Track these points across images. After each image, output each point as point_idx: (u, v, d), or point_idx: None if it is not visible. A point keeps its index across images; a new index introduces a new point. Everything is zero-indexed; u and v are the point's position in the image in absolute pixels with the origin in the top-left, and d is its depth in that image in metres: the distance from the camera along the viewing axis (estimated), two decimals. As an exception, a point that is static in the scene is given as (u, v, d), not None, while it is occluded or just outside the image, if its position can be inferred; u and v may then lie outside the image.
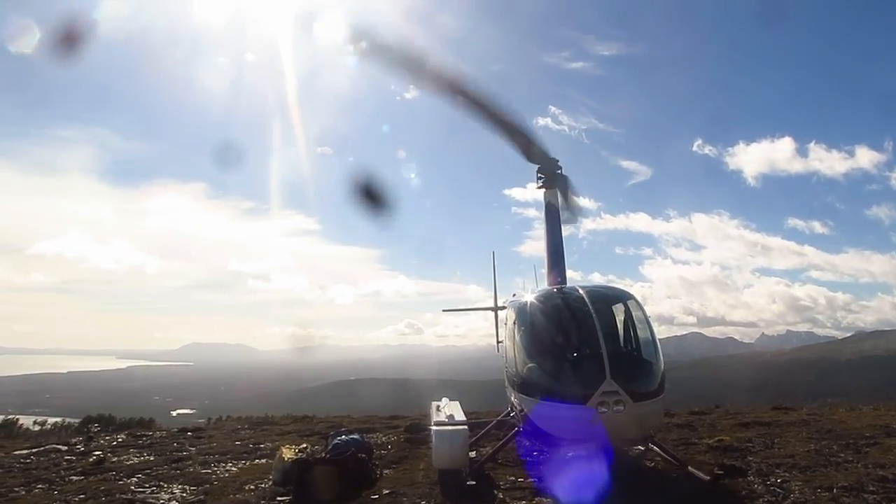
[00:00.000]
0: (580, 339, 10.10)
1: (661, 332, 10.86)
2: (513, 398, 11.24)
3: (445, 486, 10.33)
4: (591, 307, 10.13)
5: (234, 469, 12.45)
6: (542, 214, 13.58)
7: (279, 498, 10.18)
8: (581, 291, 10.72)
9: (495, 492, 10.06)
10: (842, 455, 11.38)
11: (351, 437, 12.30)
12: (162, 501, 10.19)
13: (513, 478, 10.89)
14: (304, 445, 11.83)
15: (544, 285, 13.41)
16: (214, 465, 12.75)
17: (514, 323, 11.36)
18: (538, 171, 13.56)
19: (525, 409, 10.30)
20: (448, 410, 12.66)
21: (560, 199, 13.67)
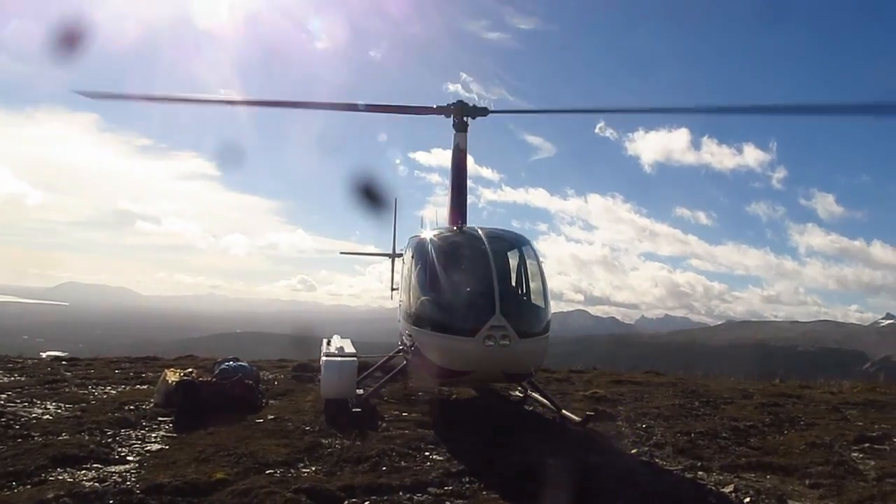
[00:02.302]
0: (474, 275, 10.45)
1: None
2: (404, 331, 11.50)
3: (331, 414, 10.54)
4: (487, 246, 10.48)
5: (113, 392, 12.18)
6: (450, 157, 13.64)
7: (160, 418, 10.08)
8: (479, 232, 11.04)
9: (379, 422, 10.36)
10: (702, 410, 12.41)
11: (239, 364, 12.26)
12: (35, 416, 9.88)
13: (397, 412, 11.23)
14: (190, 370, 11.71)
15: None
16: (92, 388, 12.44)
17: (412, 258, 11.60)
18: (448, 117, 13.53)
19: (416, 341, 10.61)
20: (339, 344, 12.84)
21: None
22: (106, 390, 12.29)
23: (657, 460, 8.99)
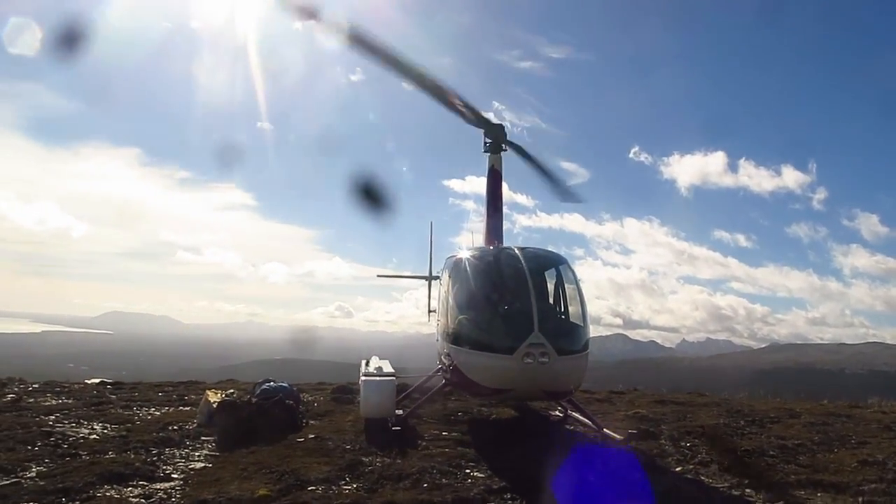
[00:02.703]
0: (512, 293, 10.53)
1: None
2: (443, 350, 11.54)
3: (371, 433, 10.57)
4: (524, 265, 10.54)
5: (157, 413, 12.39)
6: (486, 178, 13.89)
7: (203, 437, 10.22)
8: (517, 251, 11.11)
9: (419, 441, 10.35)
10: (748, 429, 12.15)
11: (279, 384, 12.33)
12: (82, 435, 10.09)
13: (437, 431, 11.20)
14: (232, 391, 11.84)
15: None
16: (137, 409, 12.66)
17: (449, 277, 11.69)
18: (484, 136, 13.82)
19: (454, 360, 10.63)
20: (377, 364, 12.94)
21: (535, 170, 14.16)
22: (150, 412, 12.50)
23: (702, 478, 8.82)
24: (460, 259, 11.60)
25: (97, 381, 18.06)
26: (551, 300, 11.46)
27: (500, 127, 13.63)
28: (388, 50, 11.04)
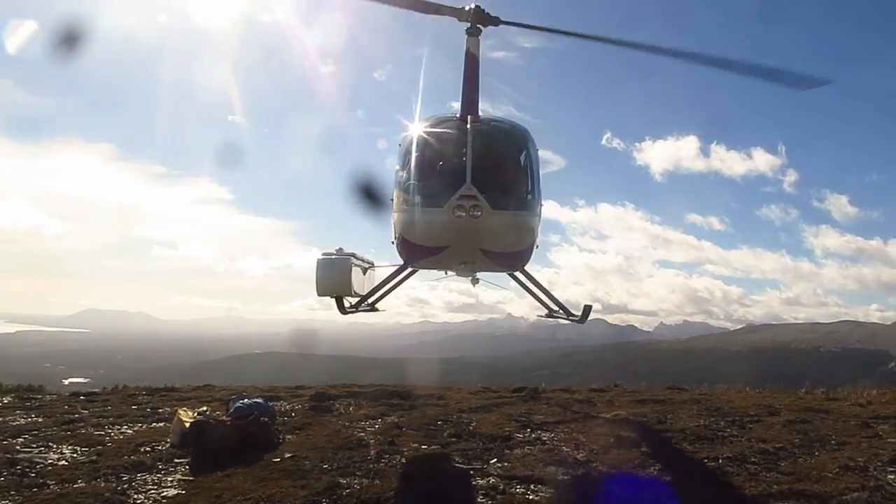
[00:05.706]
0: (451, 152, 10.26)
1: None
2: (394, 228, 11.50)
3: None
4: (469, 127, 9.87)
5: (129, 432, 12.01)
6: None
7: (176, 460, 9.93)
8: (468, 117, 10.33)
9: (398, 456, 10.14)
10: (728, 430, 12.08)
11: (254, 400, 12.06)
12: (50, 461, 9.73)
13: (416, 444, 10.98)
14: (205, 408, 11.56)
15: None
16: (108, 428, 12.25)
17: (399, 146, 11.44)
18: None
19: (397, 225, 10.76)
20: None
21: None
22: (122, 430, 12.11)
23: (683, 490, 8.66)
24: (409, 131, 11.17)
25: (74, 381, 17.71)
26: (494, 159, 10.68)
27: (477, 9, 12.27)
28: None
